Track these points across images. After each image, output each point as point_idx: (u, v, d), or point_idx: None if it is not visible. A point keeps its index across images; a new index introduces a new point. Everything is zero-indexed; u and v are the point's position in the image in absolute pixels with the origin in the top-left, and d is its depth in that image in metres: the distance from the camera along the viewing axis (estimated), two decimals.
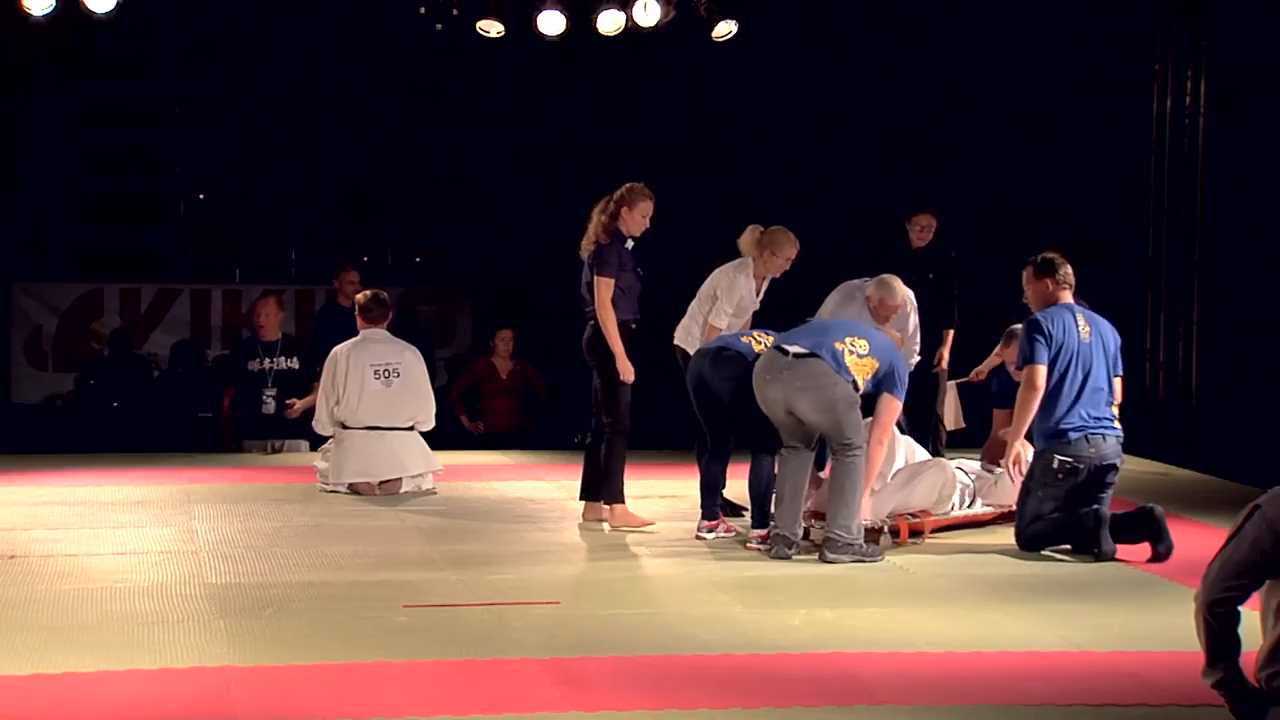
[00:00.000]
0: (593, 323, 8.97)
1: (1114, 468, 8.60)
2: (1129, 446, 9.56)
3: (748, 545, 8.60)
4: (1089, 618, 7.15)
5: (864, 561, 8.21)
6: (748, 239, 9.49)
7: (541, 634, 6.71)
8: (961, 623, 7.04)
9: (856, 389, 8.28)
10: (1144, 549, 8.43)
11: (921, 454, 9.39)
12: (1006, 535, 9.03)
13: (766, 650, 6.51)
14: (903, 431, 9.39)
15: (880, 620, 7.09)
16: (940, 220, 10.95)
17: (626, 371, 8.87)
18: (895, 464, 9.07)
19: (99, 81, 15.93)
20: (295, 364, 11.66)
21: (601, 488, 9.06)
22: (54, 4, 10.87)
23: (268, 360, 11.80)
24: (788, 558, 8.29)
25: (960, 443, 10.91)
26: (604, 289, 8.89)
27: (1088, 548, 8.44)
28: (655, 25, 11.89)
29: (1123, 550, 8.49)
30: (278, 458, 11.76)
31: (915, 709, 5.79)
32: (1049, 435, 8.51)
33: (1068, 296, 8.66)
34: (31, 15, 10.88)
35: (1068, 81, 13.37)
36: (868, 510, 8.51)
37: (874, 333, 8.59)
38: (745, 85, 14.61)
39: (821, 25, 14.27)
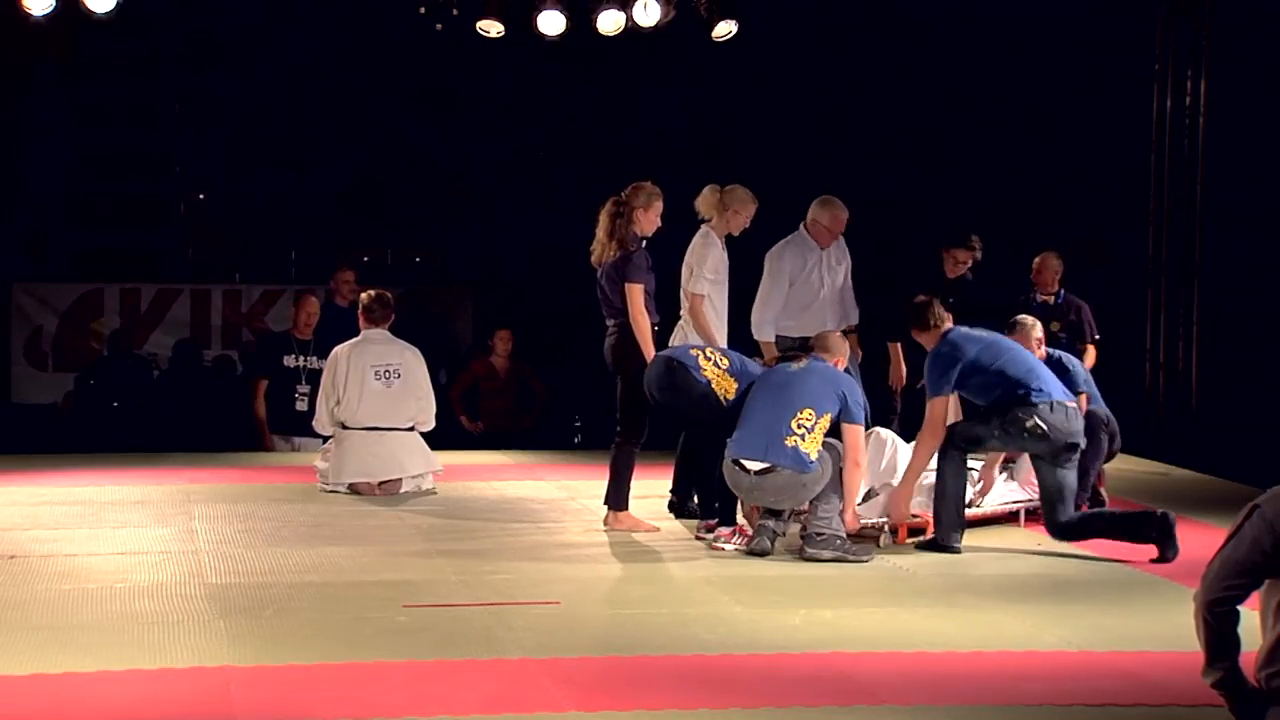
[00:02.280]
0: (617, 330, 8.94)
1: (1076, 446, 8.55)
2: (1129, 446, 9.60)
3: (702, 538, 8.64)
4: (1089, 618, 7.15)
5: (847, 559, 8.21)
6: (708, 200, 9.47)
7: (541, 634, 6.71)
8: (961, 623, 7.05)
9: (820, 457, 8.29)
10: (1148, 549, 8.42)
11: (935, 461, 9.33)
12: (1007, 535, 9.04)
13: (766, 650, 6.51)
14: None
15: (880, 620, 7.09)
16: (978, 255, 10.76)
17: None
18: (900, 471, 9.05)
19: (99, 81, 15.96)
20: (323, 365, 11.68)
21: (607, 492, 9.06)
22: (54, 4, 10.86)
23: (302, 358, 11.87)
24: (768, 551, 8.29)
25: None
26: (636, 295, 8.83)
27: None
28: (655, 25, 11.88)
29: (1124, 550, 8.49)
30: (279, 457, 11.77)
31: (915, 709, 5.79)
32: (1029, 398, 8.43)
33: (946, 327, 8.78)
34: (31, 15, 10.88)
35: (1068, 81, 13.38)
36: (853, 514, 8.48)
37: (812, 385, 8.36)
38: (745, 85, 14.61)
39: (821, 25, 14.27)
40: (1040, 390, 8.47)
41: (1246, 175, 12.16)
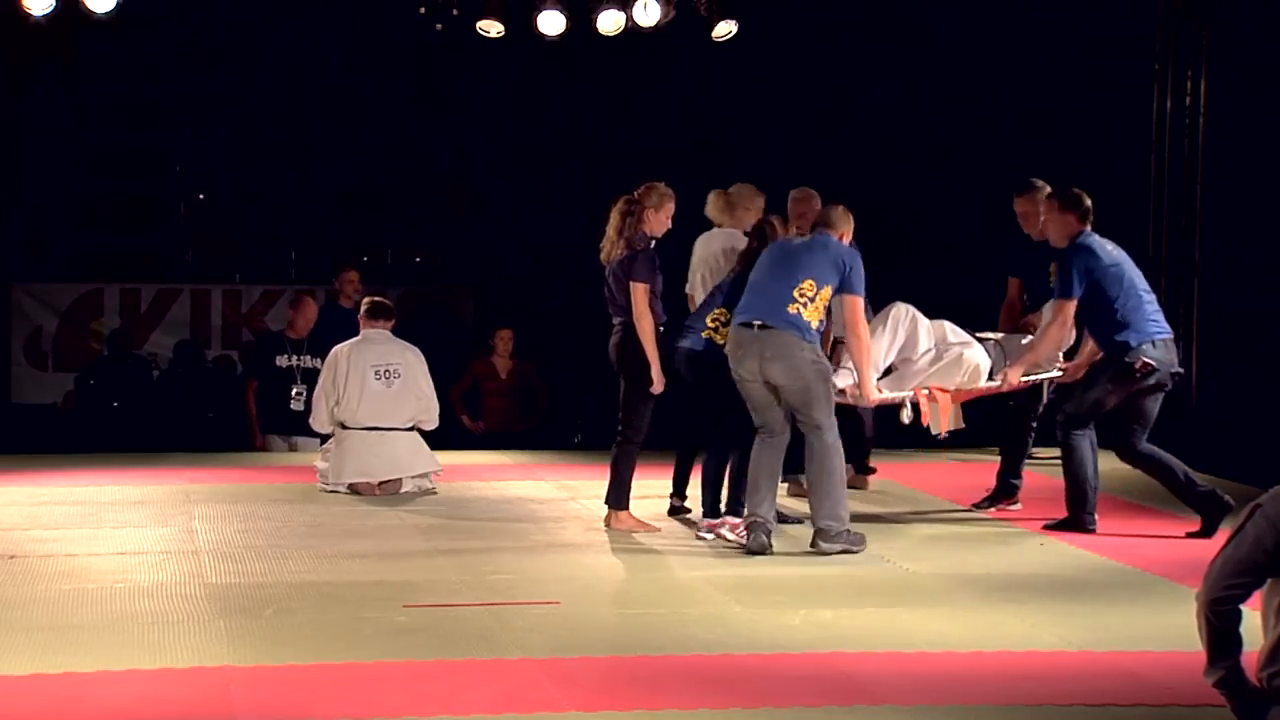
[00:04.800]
0: (622, 329, 8.92)
1: (1177, 374, 9.05)
2: None
3: (703, 537, 8.65)
4: (1089, 618, 7.15)
5: (852, 550, 8.30)
6: (719, 204, 9.54)
7: (541, 634, 6.71)
8: (961, 623, 7.05)
9: (822, 329, 8.46)
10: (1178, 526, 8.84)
11: (957, 333, 9.30)
12: (1008, 535, 9.04)
13: (766, 650, 6.51)
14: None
15: (880, 620, 7.09)
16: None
17: (660, 381, 8.85)
18: (921, 346, 9.12)
19: (99, 81, 15.93)
20: (320, 364, 11.67)
21: (608, 492, 9.06)
22: (54, 4, 10.86)
23: (296, 357, 11.89)
24: (768, 547, 8.31)
25: (962, 442, 10.91)
26: (642, 295, 8.81)
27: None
28: (655, 25, 11.89)
29: (1124, 550, 8.51)
30: (279, 457, 11.77)
31: (915, 709, 5.79)
32: (1135, 336, 8.80)
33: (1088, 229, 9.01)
34: (31, 15, 10.88)
35: (1068, 82, 13.37)
36: (870, 387, 8.60)
37: (816, 257, 8.45)
38: (745, 85, 14.61)
39: (821, 25, 14.27)
40: (1138, 331, 8.79)
41: (1246, 175, 12.15)
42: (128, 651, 6.34)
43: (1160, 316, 8.97)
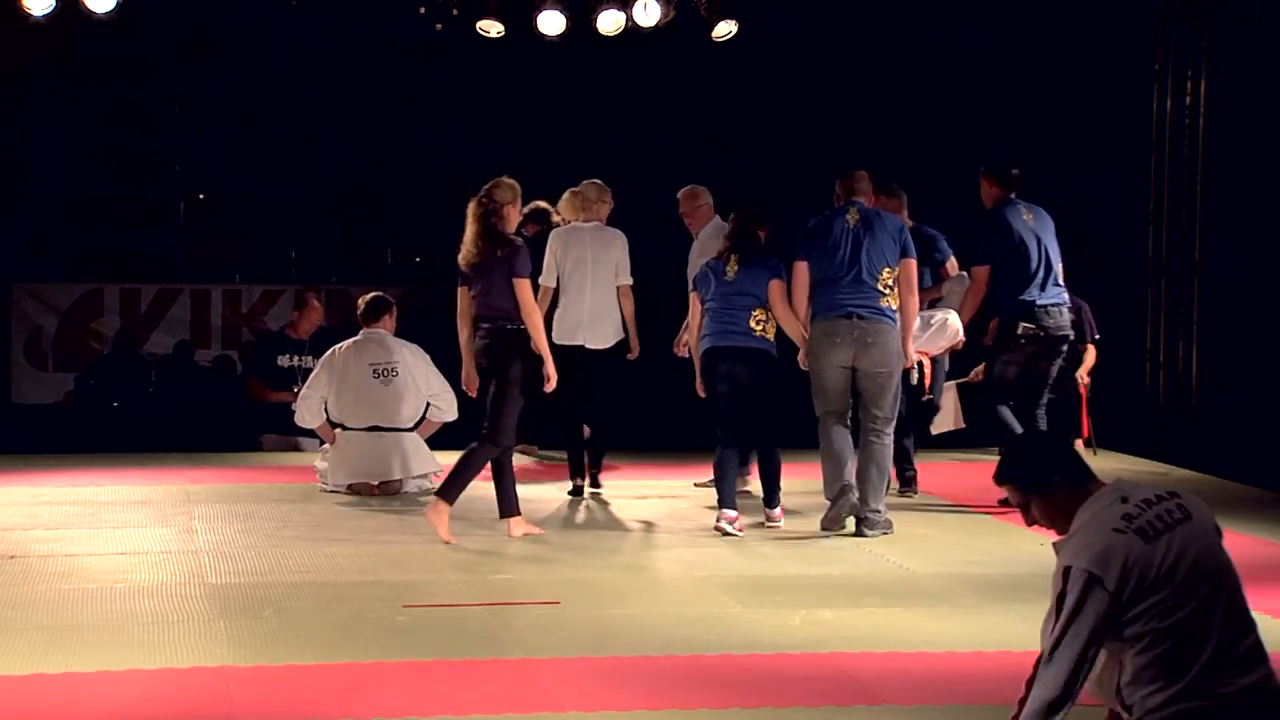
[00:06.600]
0: (493, 333, 8.65)
1: (1067, 338, 9.55)
2: (1129, 446, 9.62)
3: (766, 524, 8.89)
4: None
5: (889, 533, 8.76)
6: (574, 203, 9.82)
7: (541, 634, 6.71)
8: (961, 623, 7.05)
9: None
10: None
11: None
12: (1008, 535, 9.03)
13: (766, 650, 6.51)
14: None
15: (880, 620, 7.10)
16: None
17: (554, 377, 8.71)
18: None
19: (99, 81, 15.95)
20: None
21: (498, 501, 8.81)
22: (54, 4, 10.87)
23: (297, 358, 11.88)
24: (855, 506, 8.69)
25: (960, 443, 10.92)
26: (528, 291, 8.65)
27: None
28: (655, 25, 11.90)
29: None
30: (279, 457, 11.77)
31: (915, 709, 5.79)
32: (1014, 307, 9.39)
33: (1012, 196, 9.61)
34: (31, 15, 10.89)
35: (1068, 81, 13.37)
36: (913, 346, 9.05)
37: (881, 241, 8.80)
38: (745, 85, 14.61)
39: (821, 25, 14.27)
40: (1014, 300, 9.37)
41: (1246, 175, 12.14)
42: (128, 651, 6.34)
43: (1050, 284, 9.41)
